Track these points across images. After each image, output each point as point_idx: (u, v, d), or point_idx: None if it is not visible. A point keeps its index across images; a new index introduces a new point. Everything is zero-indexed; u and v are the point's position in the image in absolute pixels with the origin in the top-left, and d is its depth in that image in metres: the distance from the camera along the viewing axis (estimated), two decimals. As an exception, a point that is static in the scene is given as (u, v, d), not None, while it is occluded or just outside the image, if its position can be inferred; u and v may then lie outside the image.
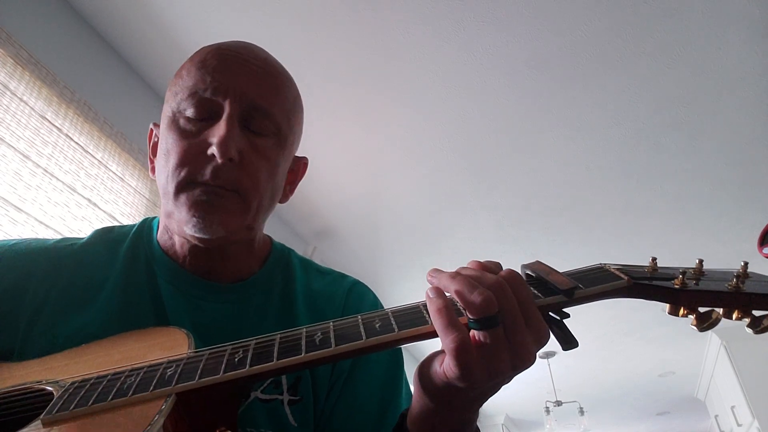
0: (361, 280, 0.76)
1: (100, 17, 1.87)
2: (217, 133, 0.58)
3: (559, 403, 4.73)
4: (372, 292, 0.76)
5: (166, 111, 0.63)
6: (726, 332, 4.31)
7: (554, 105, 2.26)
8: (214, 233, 0.59)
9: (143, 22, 1.88)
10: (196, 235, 0.60)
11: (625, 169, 2.65)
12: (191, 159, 0.59)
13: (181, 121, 0.61)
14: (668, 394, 5.81)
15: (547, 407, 4.82)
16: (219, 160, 0.57)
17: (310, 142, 2.37)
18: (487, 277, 0.44)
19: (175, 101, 0.62)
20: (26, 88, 1.57)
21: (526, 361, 0.43)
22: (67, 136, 1.68)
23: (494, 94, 2.20)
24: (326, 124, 2.32)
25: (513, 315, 0.43)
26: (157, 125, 0.69)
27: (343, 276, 0.75)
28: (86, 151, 1.75)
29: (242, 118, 0.61)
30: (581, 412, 4.94)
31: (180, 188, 0.59)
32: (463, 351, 0.41)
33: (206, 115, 0.60)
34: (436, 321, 0.43)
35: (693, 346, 4.69)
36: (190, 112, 0.61)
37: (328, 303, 0.70)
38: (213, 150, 0.58)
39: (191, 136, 0.60)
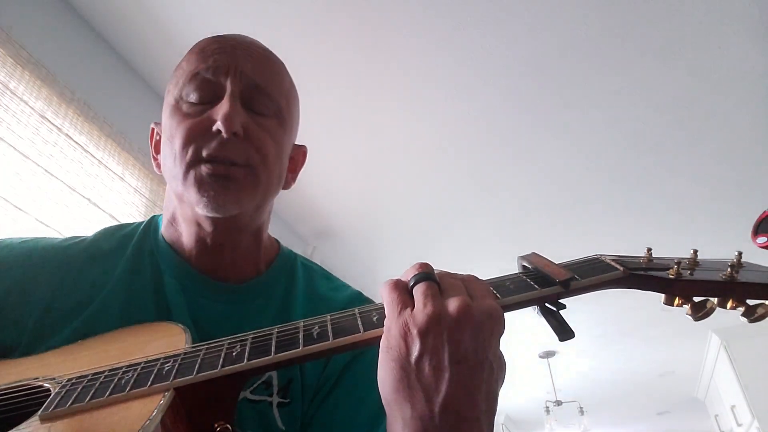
0: (362, 291, 0.73)
1: (99, 17, 1.87)
2: (221, 109, 0.59)
3: (559, 403, 4.73)
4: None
5: (168, 101, 0.64)
6: (726, 332, 4.30)
7: (554, 105, 2.26)
8: (226, 211, 0.60)
9: (143, 22, 1.88)
10: (209, 214, 0.60)
11: (625, 169, 2.64)
12: (196, 137, 0.59)
13: (184, 106, 0.62)
14: (668, 394, 5.81)
15: (547, 407, 4.82)
16: (225, 135, 0.58)
17: (311, 142, 2.36)
18: None
19: (177, 89, 0.63)
20: (26, 88, 1.57)
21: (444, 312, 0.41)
22: (66, 135, 1.68)
23: (493, 94, 2.20)
24: (326, 126, 2.32)
25: (443, 278, 0.45)
26: (158, 124, 0.69)
27: (346, 285, 0.75)
28: (86, 151, 1.75)
29: (244, 98, 0.62)
30: (581, 412, 4.94)
31: (189, 166, 0.59)
32: (388, 286, 0.45)
33: (208, 98, 0.61)
34: None
35: (693, 346, 4.68)
36: (192, 97, 0.62)
37: (327, 309, 0.69)
38: (218, 126, 0.58)
39: (195, 116, 0.61)
